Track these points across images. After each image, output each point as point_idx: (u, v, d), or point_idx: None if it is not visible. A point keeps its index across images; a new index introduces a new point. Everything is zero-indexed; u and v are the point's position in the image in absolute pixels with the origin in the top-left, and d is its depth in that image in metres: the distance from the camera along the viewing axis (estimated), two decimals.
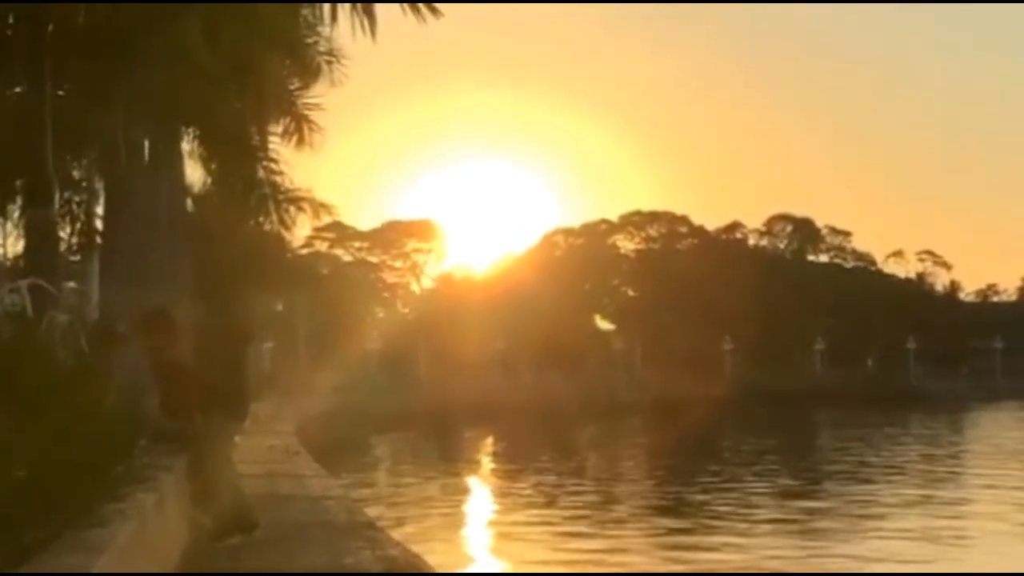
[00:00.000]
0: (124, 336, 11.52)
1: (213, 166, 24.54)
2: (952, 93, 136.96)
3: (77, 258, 24.67)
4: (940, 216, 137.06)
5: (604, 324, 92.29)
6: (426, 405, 55.88)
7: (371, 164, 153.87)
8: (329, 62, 21.33)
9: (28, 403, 5.78)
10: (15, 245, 24.44)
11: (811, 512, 23.50)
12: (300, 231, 36.21)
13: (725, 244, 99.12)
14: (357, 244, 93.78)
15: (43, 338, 9.01)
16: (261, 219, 27.61)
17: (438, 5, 15.52)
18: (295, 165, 26.99)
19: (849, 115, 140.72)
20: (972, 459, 36.95)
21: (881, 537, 19.82)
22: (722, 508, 23.95)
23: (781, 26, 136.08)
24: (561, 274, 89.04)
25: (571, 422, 52.87)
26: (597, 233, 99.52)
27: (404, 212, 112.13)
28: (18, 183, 18.57)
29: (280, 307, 61.43)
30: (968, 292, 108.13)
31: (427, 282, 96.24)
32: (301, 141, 23.08)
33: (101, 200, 22.25)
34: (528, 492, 27.89)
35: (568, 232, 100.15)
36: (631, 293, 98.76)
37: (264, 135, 24.00)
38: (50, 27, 14.23)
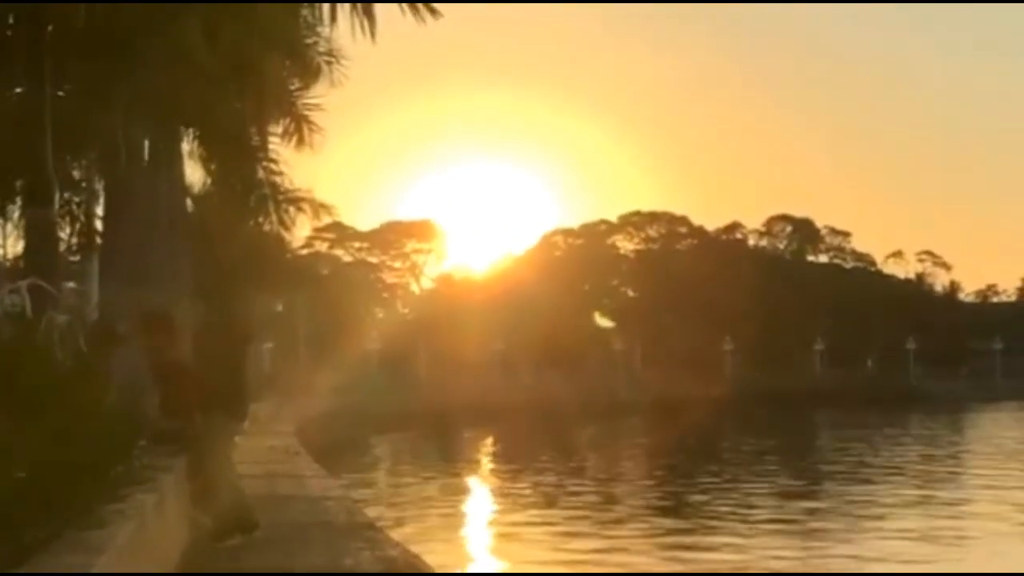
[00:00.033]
0: (124, 336, 11.51)
1: (213, 166, 24.55)
2: (952, 93, 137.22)
3: (77, 258, 24.66)
4: (940, 216, 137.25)
5: (604, 322, 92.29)
6: (426, 405, 55.87)
7: (371, 164, 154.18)
8: (329, 62, 21.33)
9: (28, 403, 5.78)
10: (15, 245, 24.47)
11: (811, 512, 23.51)
12: (300, 231, 36.30)
13: (725, 244, 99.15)
14: (357, 244, 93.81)
15: (42, 338, 9.01)
16: (261, 219, 27.65)
17: (437, 6, 15.53)
18: (295, 165, 27.06)
19: (849, 115, 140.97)
20: (972, 460, 36.94)
21: (881, 537, 19.82)
22: (722, 508, 23.95)
23: (781, 26, 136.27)
24: (560, 274, 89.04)
25: (571, 422, 52.88)
26: (597, 233, 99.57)
27: (404, 212, 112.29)
28: (18, 183, 18.58)
29: (280, 307, 61.42)
30: (968, 293, 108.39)
31: (427, 282, 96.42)
32: (301, 141, 23.08)
33: (101, 200, 22.24)
34: (528, 492, 27.89)
35: (567, 232, 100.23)
36: (631, 293, 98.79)
37: (264, 135, 24.00)
38: (50, 27, 14.23)
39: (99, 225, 22.87)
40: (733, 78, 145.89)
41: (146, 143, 18.52)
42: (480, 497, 28.52)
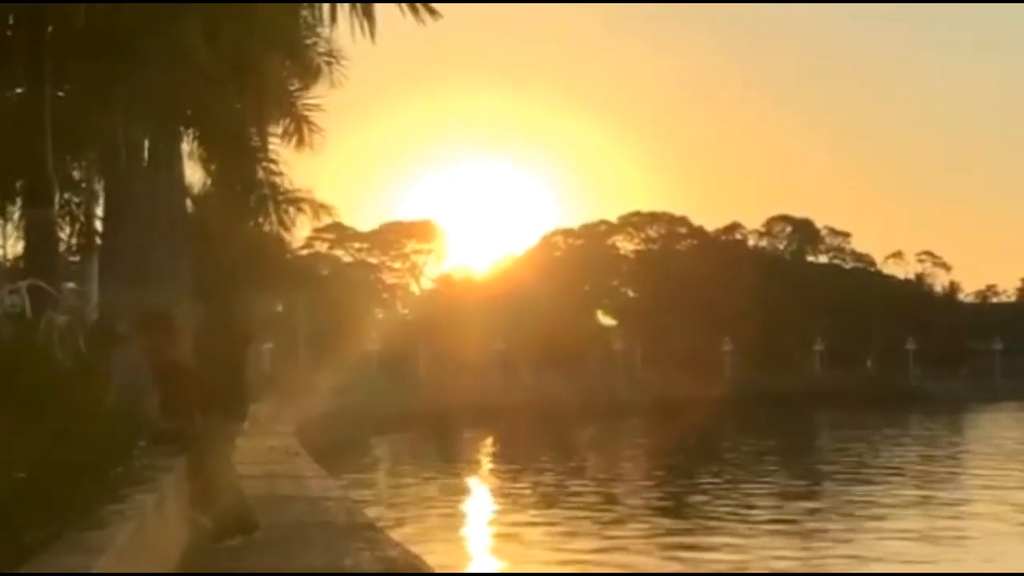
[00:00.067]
0: (124, 336, 11.50)
1: (213, 167, 24.55)
2: (952, 93, 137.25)
3: (77, 259, 24.66)
4: (940, 217, 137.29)
5: (607, 320, 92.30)
6: (426, 406, 55.87)
7: (371, 165, 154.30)
8: (329, 63, 21.34)
9: (28, 403, 5.78)
10: (15, 246, 24.48)
11: (811, 512, 23.51)
12: (300, 232, 36.29)
13: (724, 245, 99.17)
14: (357, 245, 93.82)
15: (42, 339, 9.01)
16: (261, 220, 27.65)
17: (437, 7, 15.53)
18: (295, 166, 27.05)
19: (849, 115, 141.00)
20: (971, 460, 36.94)
21: (881, 537, 19.81)
22: (722, 508, 23.95)
23: (781, 26, 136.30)
24: (560, 275, 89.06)
25: (571, 423, 52.88)
26: (596, 234, 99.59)
27: (404, 213, 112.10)
28: (18, 183, 18.57)
29: (280, 308, 61.38)
30: (967, 293, 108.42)
31: (427, 283, 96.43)
32: (301, 142, 23.08)
33: (101, 200, 22.24)
34: (528, 492, 27.90)
35: (567, 233, 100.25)
36: (631, 294, 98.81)
37: (264, 136, 24.01)
38: (50, 27, 14.23)
39: (99, 225, 22.87)
40: (733, 78, 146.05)
41: (146, 143, 18.52)
42: (480, 497, 28.51)
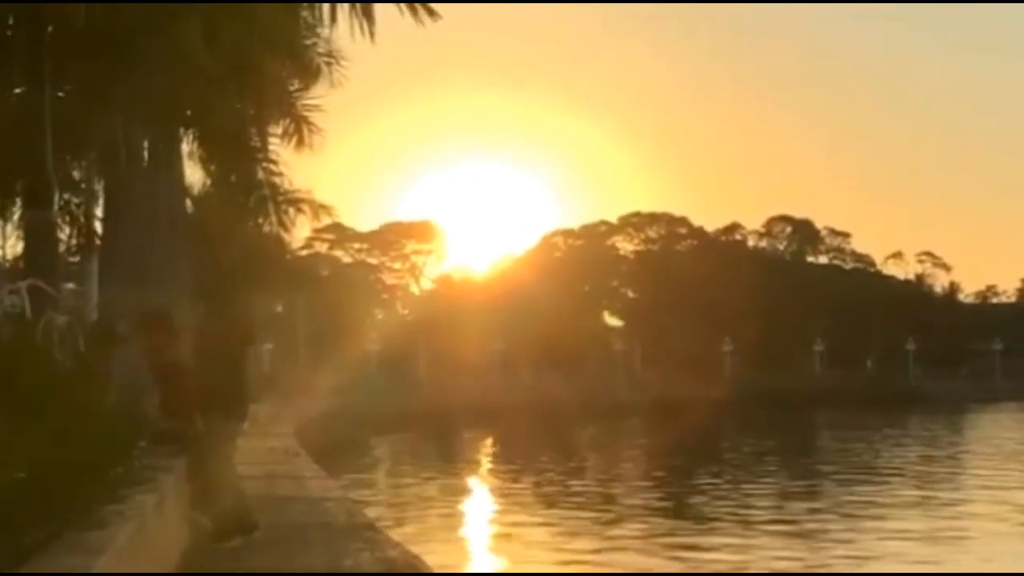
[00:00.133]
0: (124, 336, 11.51)
1: (213, 167, 24.56)
2: (952, 93, 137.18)
3: (77, 259, 24.67)
4: (940, 217, 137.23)
5: (613, 320, 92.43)
6: (426, 406, 55.87)
7: (370, 165, 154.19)
8: (328, 63, 21.35)
9: (28, 404, 5.78)
10: (15, 246, 24.47)
11: (811, 512, 23.49)
12: (299, 232, 36.29)
13: (724, 245, 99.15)
14: (356, 245, 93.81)
15: (41, 339, 9.01)
16: (260, 220, 27.66)
17: (436, 7, 15.57)
18: (294, 166, 27.04)
19: (849, 115, 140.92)
20: (971, 460, 36.94)
21: (881, 537, 19.81)
22: (722, 508, 23.95)
23: (780, 27, 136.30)
24: (560, 275, 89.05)
25: (571, 423, 52.88)
26: (596, 234, 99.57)
27: (403, 213, 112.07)
28: (18, 184, 18.57)
29: (280, 308, 61.44)
30: (967, 293, 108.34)
31: (426, 283, 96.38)
32: (300, 142, 23.10)
33: (101, 201, 22.26)
34: (528, 492, 27.90)
35: (567, 233, 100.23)
36: (630, 294, 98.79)
37: (264, 136, 24.03)
38: (50, 27, 14.24)
39: (99, 225, 22.88)
40: (732, 79, 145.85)
41: (146, 143, 18.53)
42: (480, 497, 28.51)
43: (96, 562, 4.84)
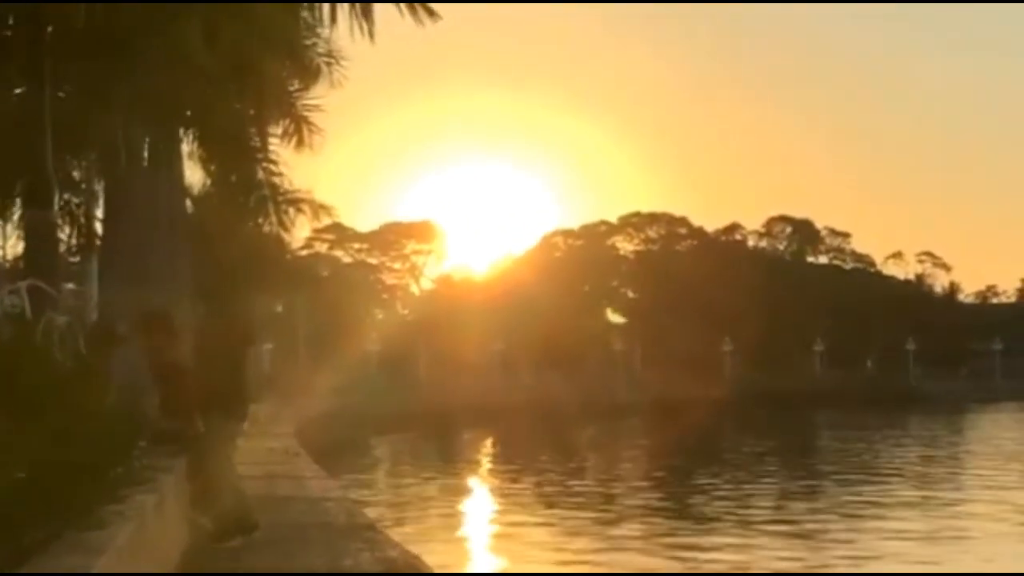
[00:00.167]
0: (124, 336, 11.50)
1: (213, 167, 24.56)
2: (952, 93, 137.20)
3: (77, 259, 24.67)
4: (940, 217, 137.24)
5: (616, 317, 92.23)
6: (426, 406, 55.86)
7: (370, 165, 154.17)
8: (328, 63, 21.35)
9: (28, 403, 5.78)
10: (15, 246, 24.49)
11: (811, 512, 23.50)
12: (299, 232, 36.32)
13: (724, 245, 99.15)
14: (356, 245, 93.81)
15: (41, 339, 9.01)
16: (260, 220, 27.66)
17: (436, 7, 15.58)
18: (294, 166, 27.04)
19: (849, 115, 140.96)
20: (971, 460, 36.93)
21: (881, 537, 19.82)
22: (722, 508, 23.95)
23: (780, 27, 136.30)
24: (560, 275, 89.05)
25: (571, 423, 52.89)
26: (596, 234, 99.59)
27: (403, 213, 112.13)
28: (18, 184, 18.58)
29: (280, 308, 61.43)
30: (967, 293, 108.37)
31: (426, 283, 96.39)
32: (300, 142, 23.09)
33: (101, 201, 22.26)
34: (528, 492, 27.90)
35: (567, 233, 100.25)
36: (630, 294, 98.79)
37: (264, 136, 24.03)
38: (50, 27, 14.24)
39: (99, 226, 22.88)
40: (732, 79, 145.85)
41: (146, 143, 18.53)
42: (480, 497, 28.51)
43: (96, 562, 4.83)
